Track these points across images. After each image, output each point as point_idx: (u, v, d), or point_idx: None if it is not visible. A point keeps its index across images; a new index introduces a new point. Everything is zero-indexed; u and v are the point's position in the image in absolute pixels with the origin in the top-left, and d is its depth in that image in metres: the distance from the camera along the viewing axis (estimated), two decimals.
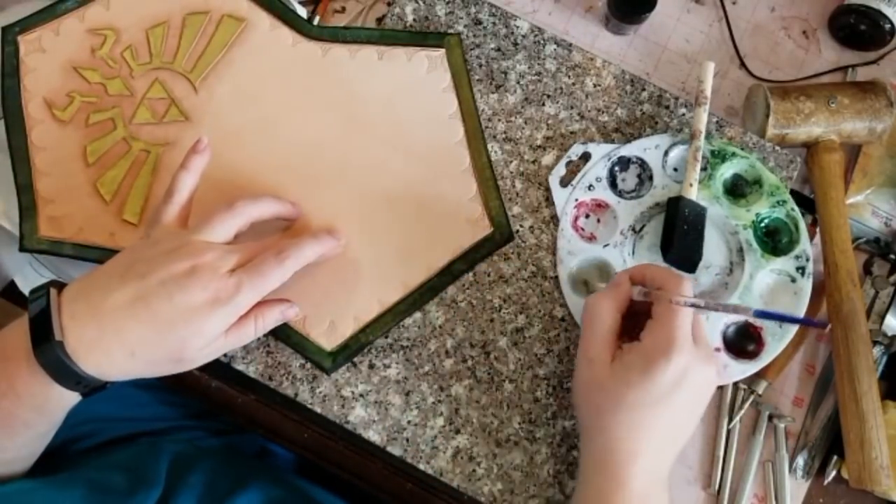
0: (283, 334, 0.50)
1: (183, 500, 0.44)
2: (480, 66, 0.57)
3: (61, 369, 0.39)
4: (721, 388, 0.54)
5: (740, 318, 0.51)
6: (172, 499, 0.43)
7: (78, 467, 0.44)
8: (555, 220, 0.54)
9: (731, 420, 0.53)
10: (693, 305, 0.42)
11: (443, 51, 0.56)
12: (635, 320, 0.44)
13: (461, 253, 0.52)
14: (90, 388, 0.41)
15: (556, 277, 0.52)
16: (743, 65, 0.62)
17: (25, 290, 0.55)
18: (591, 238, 0.54)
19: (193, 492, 0.45)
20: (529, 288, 0.53)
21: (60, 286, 0.42)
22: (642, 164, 0.55)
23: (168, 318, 0.41)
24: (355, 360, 0.51)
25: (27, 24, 0.55)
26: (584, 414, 0.44)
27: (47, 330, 0.39)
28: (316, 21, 0.58)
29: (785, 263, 0.52)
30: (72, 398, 0.41)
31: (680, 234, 0.51)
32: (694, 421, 0.44)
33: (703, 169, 0.54)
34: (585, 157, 0.55)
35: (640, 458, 0.41)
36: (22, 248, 0.51)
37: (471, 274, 0.53)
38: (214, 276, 0.42)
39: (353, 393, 0.50)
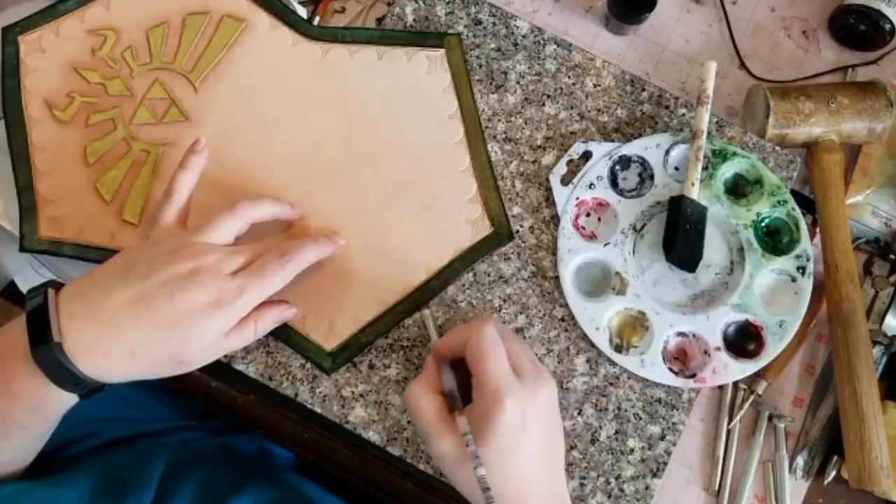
0: (283, 334, 0.50)
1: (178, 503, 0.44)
2: (480, 66, 0.57)
3: (60, 371, 0.39)
4: (721, 388, 0.54)
5: (734, 321, 0.51)
6: (168, 503, 0.43)
7: (74, 469, 0.44)
8: (555, 219, 0.54)
9: (731, 420, 0.53)
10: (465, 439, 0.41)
11: (443, 51, 0.56)
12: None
13: (461, 253, 0.52)
14: (88, 389, 0.41)
15: (556, 277, 0.52)
16: (743, 65, 0.62)
17: (25, 291, 0.54)
18: (592, 237, 0.54)
19: (189, 495, 0.44)
20: (529, 288, 0.53)
21: (58, 286, 0.41)
22: (643, 163, 0.55)
23: (170, 319, 0.40)
24: (355, 360, 0.51)
25: (27, 24, 0.55)
26: (468, 492, 0.42)
27: (45, 331, 0.38)
28: (316, 21, 0.58)
29: (785, 263, 0.52)
30: (69, 400, 0.41)
31: (682, 234, 0.51)
32: (558, 435, 0.44)
33: (705, 168, 0.54)
34: (586, 155, 0.55)
35: (532, 494, 0.41)
36: (22, 249, 0.51)
37: (471, 274, 0.53)
38: (217, 277, 0.42)
39: (353, 393, 0.50)
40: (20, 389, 0.39)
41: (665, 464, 0.50)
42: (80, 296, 0.41)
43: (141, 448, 0.51)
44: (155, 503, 0.43)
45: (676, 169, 0.55)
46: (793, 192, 0.55)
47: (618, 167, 0.55)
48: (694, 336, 0.52)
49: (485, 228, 0.53)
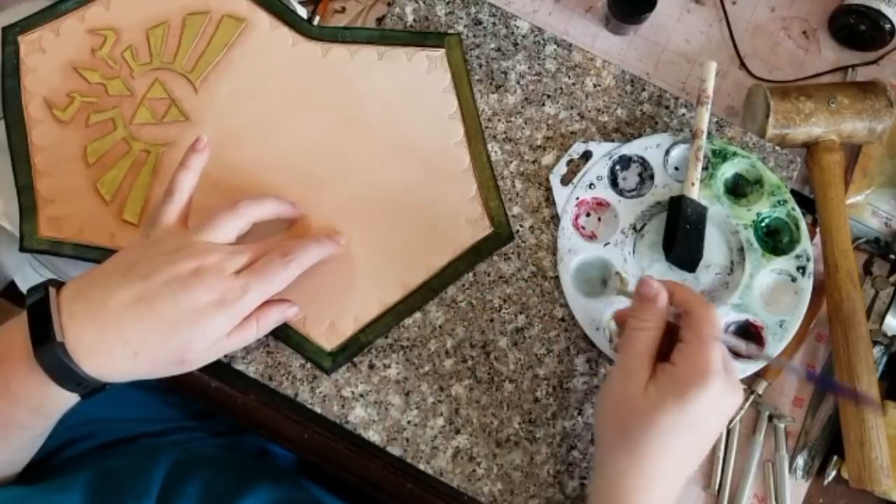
0: (283, 334, 0.50)
1: None
2: (480, 66, 0.57)
3: (62, 371, 0.38)
4: None
5: (734, 321, 0.51)
6: None
7: (73, 473, 0.44)
8: (555, 219, 0.54)
9: (731, 420, 0.53)
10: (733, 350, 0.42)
11: (443, 51, 0.56)
12: (665, 337, 0.44)
13: (461, 253, 0.52)
14: (90, 389, 0.41)
15: (556, 277, 0.52)
16: (743, 65, 0.62)
17: (25, 290, 0.54)
18: (592, 236, 0.54)
19: (191, 500, 0.44)
20: (529, 288, 0.53)
21: (59, 285, 0.41)
22: (643, 162, 0.55)
23: (172, 318, 0.40)
24: (355, 360, 0.51)
25: (27, 24, 0.55)
26: (609, 425, 0.43)
27: (47, 330, 0.38)
28: (316, 21, 0.58)
29: (785, 263, 0.52)
30: (70, 399, 0.41)
31: (682, 233, 0.51)
32: (712, 443, 0.44)
33: (705, 168, 0.54)
34: (586, 155, 0.55)
35: (658, 481, 0.42)
36: (22, 249, 0.51)
37: (471, 274, 0.53)
38: (220, 277, 0.42)
39: (353, 393, 0.50)
40: (20, 389, 0.39)
41: None
42: (81, 295, 0.40)
43: (140, 451, 0.51)
44: None
45: (676, 169, 0.55)
46: (793, 192, 0.55)
47: (618, 167, 0.55)
48: None
49: (485, 228, 0.53)
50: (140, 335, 0.40)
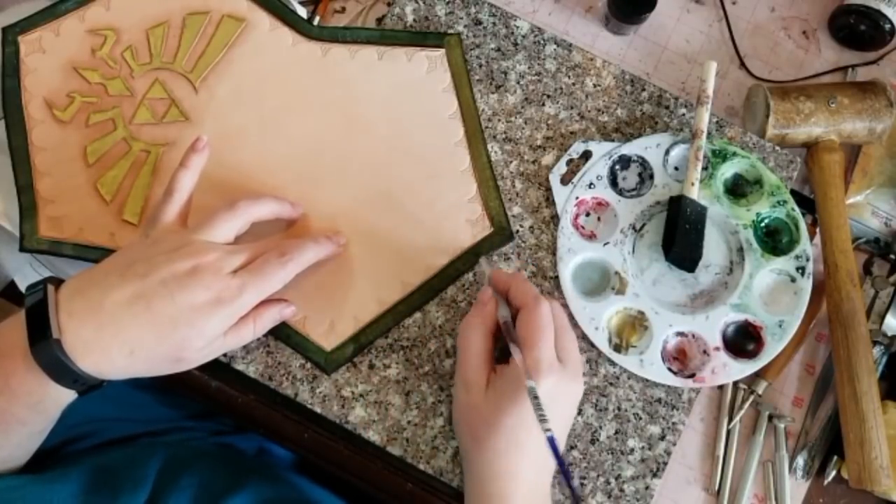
0: (283, 334, 0.50)
1: (175, 501, 0.44)
2: (480, 66, 0.57)
3: (59, 367, 0.39)
4: (721, 388, 0.54)
5: (733, 321, 0.51)
6: (164, 500, 0.43)
7: (69, 466, 0.44)
8: (555, 219, 0.54)
9: (731, 420, 0.53)
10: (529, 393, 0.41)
11: (443, 51, 0.56)
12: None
13: (461, 253, 0.52)
14: (87, 386, 0.41)
15: (556, 277, 0.52)
16: (743, 65, 0.62)
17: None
18: (592, 236, 0.54)
19: (186, 493, 0.44)
20: None
21: (57, 282, 0.41)
22: (643, 162, 0.55)
23: (169, 317, 0.40)
24: (355, 360, 0.51)
25: (27, 24, 0.55)
26: (463, 439, 0.45)
27: (44, 327, 0.39)
28: (316, 21, 0.58)
29: (785, 263, 0.52)
30: (68, 396, 0.41)
31: (681, 233, 0.51)
32: (566, 432, 0.46)
33: (704, 168, 0.54)
34: (586, 155, 0.55)
35: (520, 479, 0.42)
36: (22, 248, 0.51)
37: (471, 274, 0.53)
38: (217, 276, 0.42)
39: (353, 393, 0.50)
40: (19, 386, 0.39)
41: (665, 464, 0.50)
42: (79, 293, 0.41)
43: (138, 447, 0.51)
44: (150, 501, 0.43)
45: (676, 169, 0.55)
46: (793, 192, 0.55)
47: (617, 167, 0.55)
48: (693, 336, 0.52)
49: (485, 228, 0.53)
50: (137, 333, 0.40)
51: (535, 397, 0.40)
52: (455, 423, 0.46)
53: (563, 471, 0.39)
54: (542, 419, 0.39)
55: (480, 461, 0.43)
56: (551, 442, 0.39)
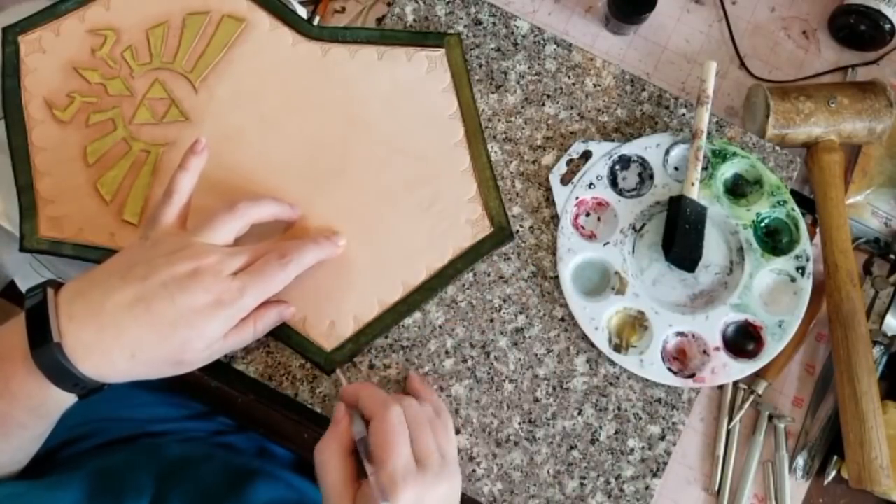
0: (283, 335, 0.50)
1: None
2: (480, 66, 0.57)
3: (60, 371, 0.39)
4: (721, 388, 0.54)
5: (733, 321, 0.51)
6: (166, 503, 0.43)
7: (71, 470, 0.44)
8: (555, 219, 0.54)
9: (731, 420, 0.53)
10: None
11: (443, 51, 0.56)
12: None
13: (461, 253, 0.52)
14: (88, 389, 0.41)
15: (556, 277, 0.52)
16: (743, 65, 0.62)
17: (25, 291, 0.54)
18: (592, 236, 0.54)
19: (188, 496, 0.44)
20: (529, 288, 0.53)
21: (57, 285, 0.41)
22: (643, 162, 0.55)
23: (170, 319, 0.40)
24: (355, 360, 0.51)
25: (28, 24, 0.55)
26: None
27: (45, 331, 0.38)
28: (316, 21, 0.58)
29: (785, 263, 0.52)
30: (68, 399, 0.41)
31: (681, 233, 0.51)
32: None
33: (704, 168, 0.54)
34: (586, 155, 0.55)
35: None
36: (22, 249, 0.51)
37: (471, 274, 0.53)
38: (217, 278, 0.42)
39: None
40: (19, 389, 0.39)
41: (665, 464, 0.50)
42: (80, 296, 0.41)
43: (139, 449, 0.51)
44: (155, 503, 0.43)
45: (676, 169, 0.55)
46: (793, 192, 0.55)
47: (617, 167, 0.55)
48: (693, 336, 0.52)
49: (485, 228, 0.53)
50: (138, 336, 0.40)
51: None
52: None
53: None
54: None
55: None
56: None
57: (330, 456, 0.42)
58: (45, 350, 0.38)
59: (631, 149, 0.54)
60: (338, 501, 0.41)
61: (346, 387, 0.46)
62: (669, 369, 0.51)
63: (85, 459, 0.49)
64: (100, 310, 0.40)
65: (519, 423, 0.50)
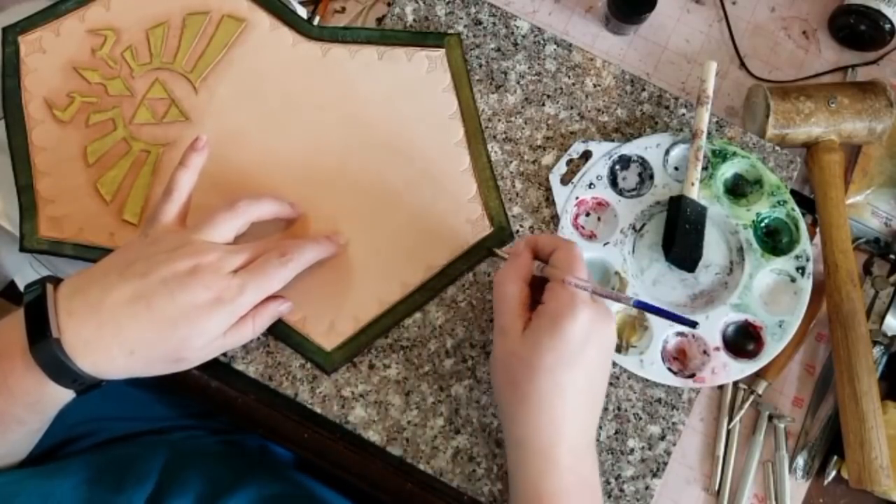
0: (283, 334, 0.50)
1: (178, 496, 0.44)
2: (480, 66, 0.57)
3: (58, 367, 0.39)
4: (721, 388, 0.54)
5: (733, 321, 0.51)
6: (167, 495, 0.43)
7: (73, 459, 0.44)
8: (555, 219, 0.54)
9: (731, 420, 0.53)
10: (581, 287, 0.42)
11: (443, 51, 0.56)
12: (541, 291, 0.44)
13: (461, 253, 0.52)
14: (86, 386, 0.41)
15: None
16: (743, 65, 0.62)
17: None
18: (592, 236, 0.54)
19: (190, 489, 0.44)
20: None
21: (56, 281, 0.41)
22: (643, 162, 0.55)
23: (169, 316, 0.40)
24: (355, 360, 0.51)
25: (28, 24, 0.55)
26: (503, 388, 0.43)
27: (44, 326, 0.38)
28: (316, 21, 0.58)
29: (785, 263, 0.52)
30: (66, 396, 0.41)
31: (681, 233, 0.51)
32: (605, 381, 0.44)
33: (704, 168, 0.54)
34: (586, 155, 0.55)
35: (564, 431, 0.41)
36: (22, 249, 0.51)
37: (471, 274, 0.53)
38: (217, 276, 0.42)
39: (352, 393, 0.50)
40: (17, 385, 0.39)
41: (665, 464, 0.50)
42: (79, 292, 0.41)
43: (141, 444, 0.51)
44: (154, 495, 0.43)
45: (676, 169, 0.55)
46: (793, 192, 0.55)
47: (617, 167, 0.55)
48: (693, 336, 0.52)
49: (485, 228, 0.53)
50: (137, 333, 0.40)
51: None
52: (494, 381, 0.44)
53: (657, 310, 0.40)
54: (614, 296, 0.41)
55: (521, 411, 0.42)
56: (640, 305, 0.40)
57: (509, 281, 0.43)
58: (43, 345, 0.38)
59: (631, 149, 0.54)
60: (511, 321, 0.42)
61: (529, 236, 0.47)
62: (669, 369, 0.51)
63: (85, 454, 0.49)
64: (99, 306, 0.40)
65: None
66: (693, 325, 0.42)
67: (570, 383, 0.41)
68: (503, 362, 0.43)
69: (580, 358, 0.41)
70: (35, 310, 0.39)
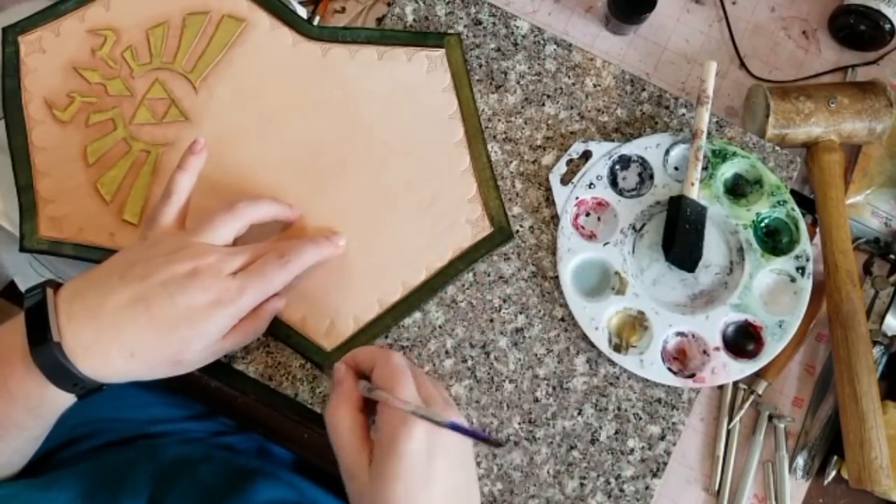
0: (283, 334, 0.50)
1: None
2: (480, 66, 0.57)
3: (59, 371, 0.38)
4: (721, 388, 0.54)
5: (733, 321, 0.51)
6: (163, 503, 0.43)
7: (68, 470, 0.44)
8: (555, 220, 0.54)
9: (731, 420, 0.53)
10: (397, 407, 0.39)
11: (443, 51, 0.56)
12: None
13: (461, 253, 0.52)
14: (86, 390, 0.41)
15: (556, 277, 0.52)
16: (743, 65, 0.62)
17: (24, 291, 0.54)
18: (592, 236, 0.54)
19: (186, 496, 0.44)
20: (529, 288, 0.53)
21: (56, 285, 0.41)
22: (643, 162, 0.55)
23: (169, 319, 0.40)
24: None
25: (27, 24, 0.55)
26: None
27: (44, 330, 0.38)
28: (316, 21, 0.58)
29: (785, 263, 0.52)
30: (67, 400, 0.41)
31: (681, 233, 0.51)
32: (472, 479, 0.42)
33: (704, 168, 0.54)
34: (586, 155, 0.55)
35: None
36: (22, 249, 0.51)
37: (471, 274, 0.53)
38: (216, 278, 0.42)
39: None
40: (18, 389, 0.39)
41: (665, 464, 0.50)
42: (79, 296, 0.41)
43: (137, 450, 0.51)
44: (153, 503, 0.43)
45: (676, 169, 0.55)
46: (793, 192, 0.55)
47: (617, 167, 0.55)
48: (693, 336, 0.52)
49: (485, 228, 0.53)
50: (137, 336, 0.40)
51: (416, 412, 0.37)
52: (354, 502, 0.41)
53: (472, 433, 0.36)
54: (429, 417, 0.37)
55: None
56: (454, 427, 0.36)
57: (340, 414, 0.41)
58: (44, 349, 0.38)
59: (631, 149, 0.54)
60: (354, 458, 0.40)
61: (347, 355, 0.44)
62: (669, 369, 0.51)
63: (82, 460, 0.48)
64: (99, 310, 0.40)
65: (519, 423, 0.50)
66: (498, 444, 0.38)
67: (431, 495, 0.38)
68: (358, 489, 0.40)
69: (431, 472, 0.38)
70: (36, 314, 0.39)
